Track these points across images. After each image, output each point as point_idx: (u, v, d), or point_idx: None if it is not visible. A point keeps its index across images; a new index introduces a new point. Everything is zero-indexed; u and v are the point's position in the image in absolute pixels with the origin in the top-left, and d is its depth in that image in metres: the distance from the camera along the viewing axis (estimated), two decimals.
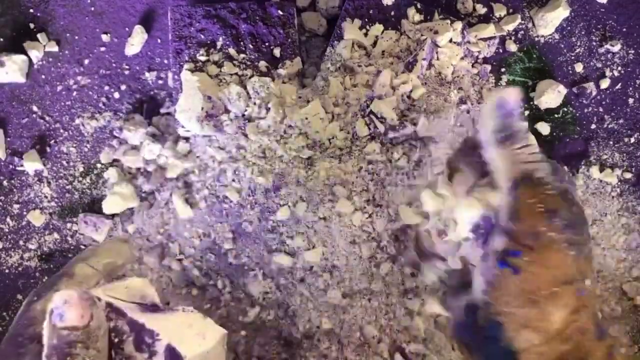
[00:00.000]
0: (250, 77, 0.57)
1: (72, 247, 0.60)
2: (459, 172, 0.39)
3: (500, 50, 0.63)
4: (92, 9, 0.63)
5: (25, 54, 0.61)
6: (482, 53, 0.62)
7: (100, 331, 0.29)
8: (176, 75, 0.58)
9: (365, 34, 0.59)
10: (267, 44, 0.59)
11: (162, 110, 0.61)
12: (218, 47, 0.59)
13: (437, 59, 0.59)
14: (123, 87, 0.62)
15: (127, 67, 0.62)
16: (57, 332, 0.28)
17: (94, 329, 0.28)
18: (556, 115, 0.63)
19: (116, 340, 0.31)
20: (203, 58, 0.58)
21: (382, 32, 0.59)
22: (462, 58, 0.60)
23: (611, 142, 0.63)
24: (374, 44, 0.59)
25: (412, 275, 0.55)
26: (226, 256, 0.57)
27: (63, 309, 0.28)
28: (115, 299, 0.32)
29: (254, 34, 0.59)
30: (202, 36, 0.59)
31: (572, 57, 0.63)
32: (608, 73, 0.63)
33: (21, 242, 0.59)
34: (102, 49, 0.62)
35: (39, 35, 0.61)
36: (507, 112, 0.32)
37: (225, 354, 0.36)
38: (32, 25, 0.62)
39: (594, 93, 0.63)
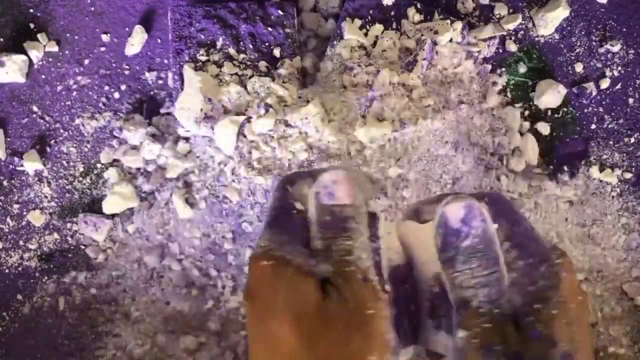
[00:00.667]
0: (250, 77, 0.57)
1: (72, 247, 0.60)
2: None
3: (500, 50, 0.63)
4: (92, 9, 0.63)
5: (25, 54, 0.61)
6: (482, 53, 0.62)
7: (363, 209, 0.30)
8: (176, 75, 0.58)
9: (365, 34, 0.59)
10: (267, 44, 0.59)
11: (162, 110, 0.61)
12: (218, 47, 0.59)
13: (437, 59, 0.59)
14: (123, 87, 0.62)
15: (127, 67, 0.62)
16: (328, 209, 0.29)
17: (359, 206, 0.29)
18: (556, 115, 0.62)
19: None
20: (203, 58, 0.58)
21: (382, 32, 0.59)
22: (462, 58, 0.60)
23: (611, 142, 0.63)
24: (374, 44, 0.59)
25: None
26: (226, 256, 0.57)
27: (333, 188, 0.29)
28: None
29: (254, 34, 0.59)
30: (202, 36, 0.59)
31: (572, 57, 0.63)
32: (608, 73, 0.63)
33: (21, 242, 0.59)
34: (102, 49, 0.62)
35: (39, 35, 0.61)
36: (451, 230, 0.28)
37: None
38: (32, 25, 0.62)
39: (594, 93, 0.63)
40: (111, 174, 0.60)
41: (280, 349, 0.26)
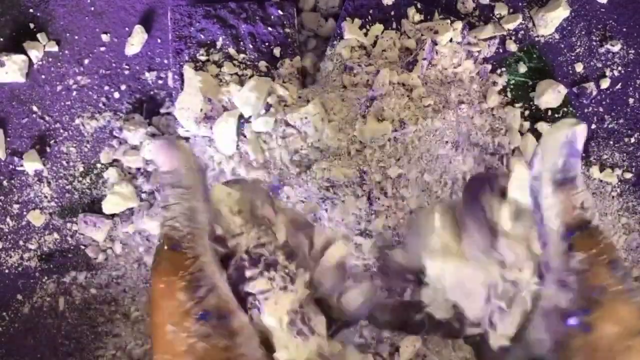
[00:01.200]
0: (250, 77, 0.57)
1: (72, 247, 0.60)
2: (462, 226, 0.34)
3: (500, 50, 0.63)
4: (92, 9, 0.63)
5: (25, 54, 0.61)
6: (482, 53, 0.61)
7: (190, 172, 0.30)
8: (176, 75, 0.58)
9: (365, 34, 0.59)
10: (267, 44, 0.59)
11: (162, 110, 0.61)
12: (218, 47, 0.59)
13: (437, 58, 0.59)
14: (123, 87, 0.62)
15: (127, 67, 0.62)
16: (159, 177, 0.30)
17: (179, 170, 0.29)
18: (556, 115, 0.62)
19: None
20: (203, 58, 0.58)
21: (382, 32, 0.59)
22: (462, 58, 0.60)
23: (611, 142, 0.63)
24: (374, 43, 0.59)
25: None
26: None
27: (157, 159, 0.30)
28: None
29: (253, 34, 0.59)
30: (202, 36, 0.59)
31: (572, 57, 0.63)
32: (608, 73, 0.63)
33: (21, 242, 0.59)
34: (102, 49, 0.62)
35: (39, 35, 0.61)
36: (575, 151, 0.29)
37: None
38: (32, 25, 0.62)
39: (594, 93, 0.63)
40: (111, 174, 0.60)
41: None
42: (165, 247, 0.28)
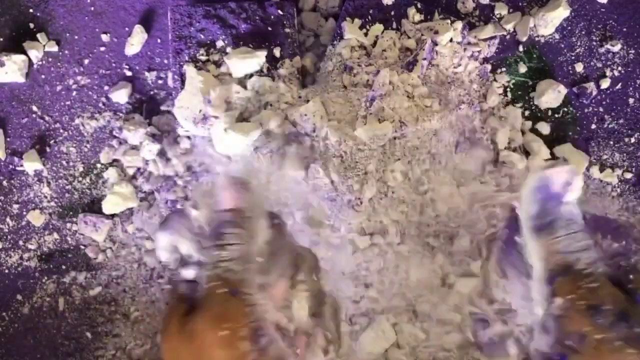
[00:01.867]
0: (250, 77, 0.57)
1: (71, 247, 0.60)
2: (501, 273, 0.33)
3: (500, 50, 0.63)
4: (92, 9, 0.63)
5: (25, 54, 0.61)
6: (482, 53, 0.61)
7: (254, 212, 0.29)
8: (176, 75, 0.58)
9: (366, 34, 0.59)
10: (267, 43, 0.59)
11: (162, 108, 0.61)
12: (218, 47, 0.59)
13: (438, 58, 0.59)
14: (123, 87, 0.62)
15: (127, 67, 0.62)
16: (214, 216, 0.28)
17: (244, 210, 0.28)
18: (556, 115, 0.62)
19: None
20: (203, 58, 0.58)
21: (382, 32, 0.59)
22: (462, 58, 0.60)
23: (611, 142, 0.62)
24: (374, 43, 0.59)
25: None
26: None
27: (219, 194, 0.28)
28: None
29: (253, 34, 0.59)
30: (202, 36, 0.59)
31: (572, 57, 0.63)
32: (608, 73, 0.63)
33: (21, 242, 0.59)
34: (102, 49, 0.62)
35: (38, 35, 0.61)
36: (552, 194, 0.28)
37: None
38: (32, 25, 0.62)
39: (594, 93, 0.63)
40: (111, 174, 0.60)
41: None
42: (223, 291, 0.26)
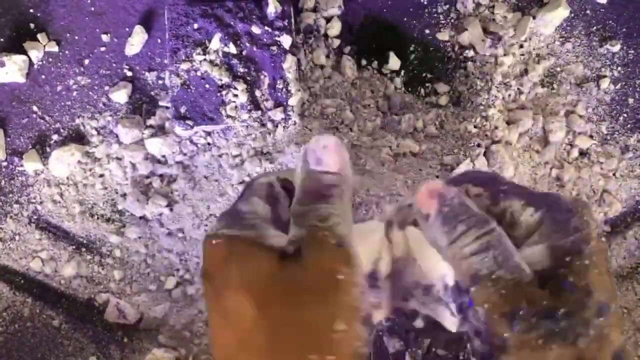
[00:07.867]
0: None
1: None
2: None
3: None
4: (92, 9, 0.63)
5: (25, 54, 0.61)
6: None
7: (350, 180, 0.29)
8: (173, 73, 0.58)
9: None
10: (263, 43, 0.59)
11: (161, 104, 0.61)
12: (215, 46, 0.59)
13: None
14: (123, 87, 0.62)
15: (127, 67, 0.62)
16: (314, 175, 0.28)
17: (346, 177, 0.28)
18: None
19: None
20: (200, 57, 0.58)
21: None
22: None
23: (611, 142, 0.62)
24: None
25: None
26: None
27: (323, 154, 0.28)
28: None
29: (250, 33, 0.59)
30: (199, 35, 0.59)
31: (572, 57, 0.63)
32: (608, 73, 0.63)
33: (21, 242, 0.59)
34: (102, 49, 0.62)
35: (39, 35, 0.61)
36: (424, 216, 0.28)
37: None
38: (32, 25, 0.62)
39: (594, 93, 0.63)
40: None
41: (236, 320, 0.26)
42: (333, 242, 0.26)
